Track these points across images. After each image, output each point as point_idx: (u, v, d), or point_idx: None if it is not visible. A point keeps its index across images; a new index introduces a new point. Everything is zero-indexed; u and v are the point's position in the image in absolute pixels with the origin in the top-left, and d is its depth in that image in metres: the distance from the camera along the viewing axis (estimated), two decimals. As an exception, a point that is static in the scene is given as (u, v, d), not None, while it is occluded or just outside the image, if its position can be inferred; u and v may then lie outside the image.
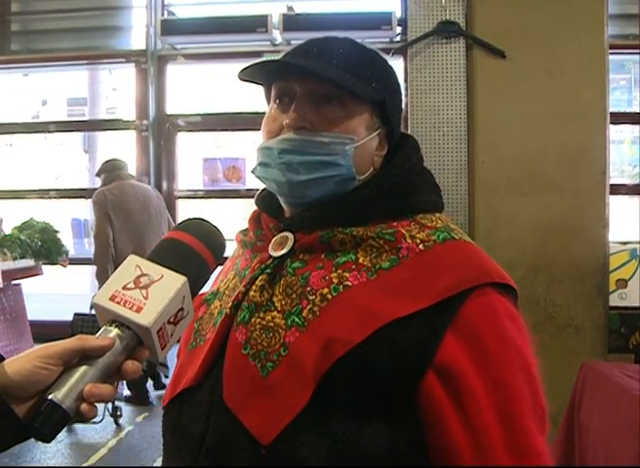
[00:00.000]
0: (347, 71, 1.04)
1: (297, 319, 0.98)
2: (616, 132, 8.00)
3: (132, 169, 5.30)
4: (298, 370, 0.94)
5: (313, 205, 1.06)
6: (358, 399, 0.93)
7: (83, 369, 0.80)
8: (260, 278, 1.04)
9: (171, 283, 0.85)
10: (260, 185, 1.18)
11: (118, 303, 0.83)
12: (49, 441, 0.78)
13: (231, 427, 0.96)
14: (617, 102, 9.62)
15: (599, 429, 2.56)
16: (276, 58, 1.10)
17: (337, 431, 0.92)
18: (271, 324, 0.99)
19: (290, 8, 5.02)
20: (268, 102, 1.13)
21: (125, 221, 4.71)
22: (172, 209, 5.34)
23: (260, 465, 0.93)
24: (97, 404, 0.80)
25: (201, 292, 1.03)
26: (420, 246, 0.99)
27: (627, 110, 10.35)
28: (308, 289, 0.99)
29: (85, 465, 3.69)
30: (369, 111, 1.07)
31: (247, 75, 1.09)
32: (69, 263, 5.51)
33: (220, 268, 1.12)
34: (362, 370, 0.92)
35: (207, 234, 0.95)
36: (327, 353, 0.93)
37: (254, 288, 1.03)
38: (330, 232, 1.02)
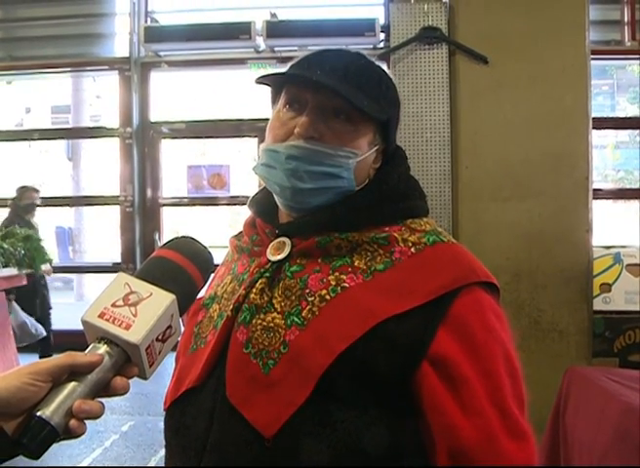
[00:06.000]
0: (359, 89, 1.08)
1: (296, 319, 1.02)
2: (599, 137, 8.07)
3: (116, 176, 5.28)
4: (298, 365, 0.99)
5: (311, 211, 1.11)
6: (356, 390, 0.98)
7: (72, 385, 0.80)
8: (260, 281, 1.07)
9: (159, 300, 0.86)
10: (248, 191, 1.21)
11: (107, 320, 0.83)
12: (37, 458, 0.78)
13: (235, 423, 1.00)
14: (600, 108, 9.72)
15: (584, 433, 2.56)
16: (293, 61, 1.14)
17: (336, 420, 0.97)
18: (272, 324, 1.03)
19: (273, 15, 5.02)
20: (273, 103, 1.16)
21: None
22: (156, 216, 5.31)
23: (264, 457, 0.97)
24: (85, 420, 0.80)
25: (198, 296, 1.05)
26: (412, 249, 1.05)
27: (610, 115, 10.43)
28: (307, 291, 1.04)
29: (83, 465, 3.68)
30: (373, 129, 1.12)
31: (261, 78, 1.13)
32: (53, 272, 5.48)
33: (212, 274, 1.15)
34: (361, 363, 0.97)
35: (195, 253, 0.97)
36: (328, 349, 0.98)
37: (254, 291, 1.07)
38: (327, 238, 1.07)
